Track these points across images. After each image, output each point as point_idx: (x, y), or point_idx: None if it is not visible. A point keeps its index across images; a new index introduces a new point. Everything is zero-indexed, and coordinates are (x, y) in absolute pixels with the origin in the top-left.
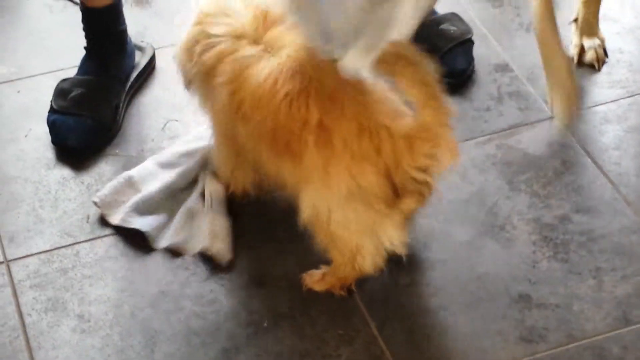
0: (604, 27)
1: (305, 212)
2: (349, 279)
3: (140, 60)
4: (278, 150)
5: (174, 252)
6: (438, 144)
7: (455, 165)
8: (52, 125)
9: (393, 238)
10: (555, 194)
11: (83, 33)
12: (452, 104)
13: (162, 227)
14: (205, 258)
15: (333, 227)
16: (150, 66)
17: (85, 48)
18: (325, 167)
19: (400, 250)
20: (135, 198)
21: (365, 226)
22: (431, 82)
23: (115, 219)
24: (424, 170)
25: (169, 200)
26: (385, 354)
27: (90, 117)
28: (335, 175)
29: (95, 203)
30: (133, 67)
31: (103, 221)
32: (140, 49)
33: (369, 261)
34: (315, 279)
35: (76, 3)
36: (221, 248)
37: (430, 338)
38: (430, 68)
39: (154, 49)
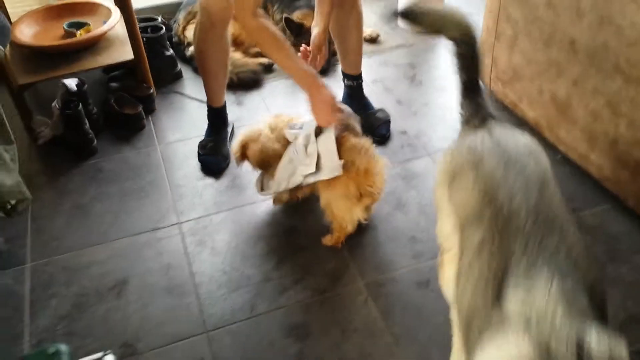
0: None
1: (323, 201)
2: (342, 236)
3: (229, 128)
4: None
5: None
6: (377, 173)
7: (384, 182)
8: (202, 162)
9: (360, 215)
10: None
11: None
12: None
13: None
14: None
15: (334, 209)
16: (233, 130)
17: (208, 125)
18: (334, 183)
19: (363, 220)
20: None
21: (347, 208)
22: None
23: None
24: (372, 185)
25: (290, 164)
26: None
27: (220, 155)
28: (337, 186)
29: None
30: (231, 131)
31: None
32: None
33: (350, 226)
34: (327, 239)
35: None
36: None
37: (381, 262)
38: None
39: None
